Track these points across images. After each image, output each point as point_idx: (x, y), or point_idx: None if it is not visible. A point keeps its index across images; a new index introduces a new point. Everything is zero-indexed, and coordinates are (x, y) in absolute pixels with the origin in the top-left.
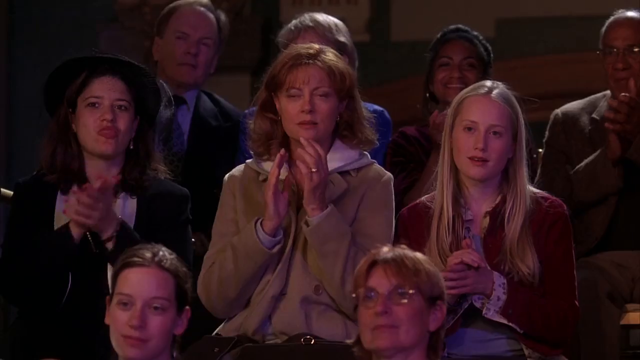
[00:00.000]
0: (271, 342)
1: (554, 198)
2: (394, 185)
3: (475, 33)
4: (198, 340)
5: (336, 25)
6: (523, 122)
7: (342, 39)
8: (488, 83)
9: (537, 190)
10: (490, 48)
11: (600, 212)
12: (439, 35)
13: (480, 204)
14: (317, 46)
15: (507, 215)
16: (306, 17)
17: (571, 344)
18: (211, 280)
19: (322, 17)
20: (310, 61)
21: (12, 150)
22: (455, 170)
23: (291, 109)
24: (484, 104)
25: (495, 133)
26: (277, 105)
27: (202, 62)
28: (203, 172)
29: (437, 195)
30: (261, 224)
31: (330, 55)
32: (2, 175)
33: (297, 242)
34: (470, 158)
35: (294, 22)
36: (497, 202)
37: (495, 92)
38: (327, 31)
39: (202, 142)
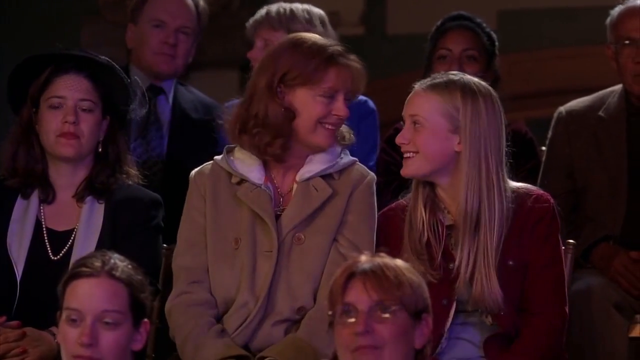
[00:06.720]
0: None
1: (540, 192)
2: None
3: (479, 20)
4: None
5: (292, 11)
6: (479, 114)
7: (299, 27)
8: (436, 75)
9: (520, 185)
10: (495, 37)
11: (609, 213)
12: (438, 24)
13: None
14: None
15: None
16: (261, 10)
17: (575, 358)
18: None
19: (275, 7)
20: (353, 63)
21: None
22: None
23: (321, 110)
24: (411, 97)
25: (415, 123)
26: (288, 99)
27: (181, 53)
28: (185, 171)
29: (411, 199)
30: None
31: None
32: None
33: (281, 258)
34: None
35: (251, 18)
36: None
37: (428, 82)
38: (275, 22)
39: (184, 136)
